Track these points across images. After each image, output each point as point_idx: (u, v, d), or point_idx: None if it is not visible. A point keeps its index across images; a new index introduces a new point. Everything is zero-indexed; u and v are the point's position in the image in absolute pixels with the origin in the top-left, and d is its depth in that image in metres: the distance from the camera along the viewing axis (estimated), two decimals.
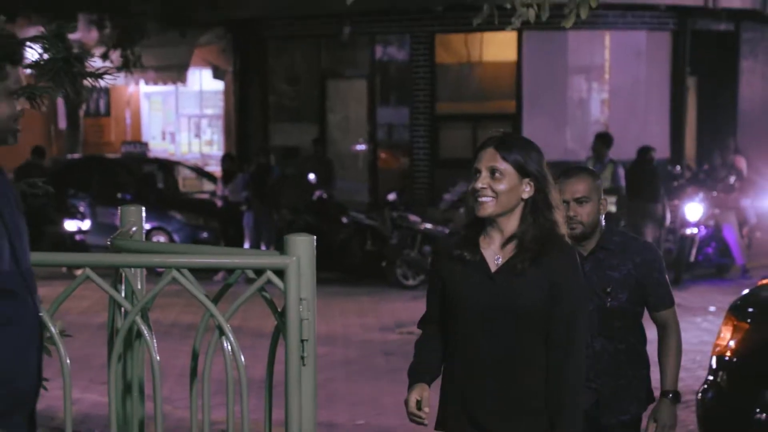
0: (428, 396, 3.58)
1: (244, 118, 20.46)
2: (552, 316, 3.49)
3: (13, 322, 3.00)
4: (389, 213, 15.03)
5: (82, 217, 16.07)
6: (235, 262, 4.04)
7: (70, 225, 15.81)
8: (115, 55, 17.32)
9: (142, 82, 21.78)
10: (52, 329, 3.69)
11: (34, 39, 6.87)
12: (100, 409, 5.29)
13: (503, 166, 3.46)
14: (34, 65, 6.40)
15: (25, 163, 16.03)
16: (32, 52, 7.41)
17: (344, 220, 15.24)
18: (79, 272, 3.77)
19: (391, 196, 15.67)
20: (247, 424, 3.93)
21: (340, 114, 19.38)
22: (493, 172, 3.46)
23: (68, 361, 3.89)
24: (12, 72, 3.01)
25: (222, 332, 3.85)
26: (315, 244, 3.81)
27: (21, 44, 3.10)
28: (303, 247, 3.78)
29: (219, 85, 21.73)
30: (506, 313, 3.47)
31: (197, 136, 23.16)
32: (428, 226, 14.58)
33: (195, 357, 4.06)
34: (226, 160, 18.00)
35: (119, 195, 16.04)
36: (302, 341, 3.74)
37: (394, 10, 16.26)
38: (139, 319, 4.12)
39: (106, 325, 4.29)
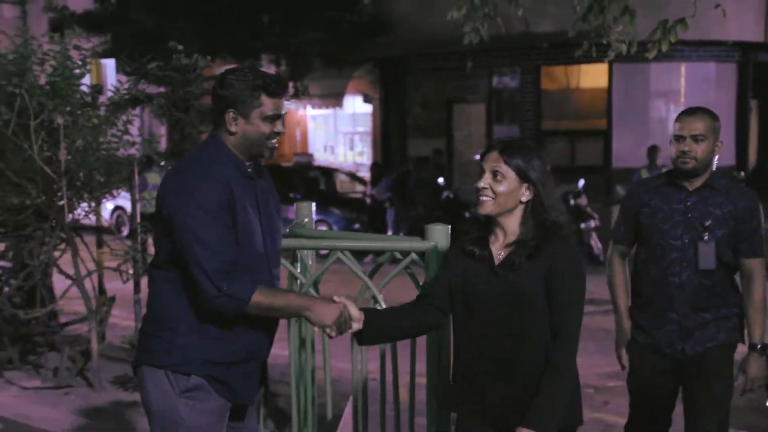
0: (355, 315, 3.09)
1: (387, 135, 20.56)
2: (550, 302, 2.99)
3: None
4: None
5: None
6: (387, 246, 4.06)
7: None
8: (289, 87, 17.59)
9: (308, 107, 22.10)
10: None
11: None
12: (279, 360, 5.35)
13: (504, 169, 3.02)
14: None
15: None
16: None
17: (467, 215, 15.16)
18: None
19: None
20: (395, 374, 3.95)
21: (464, 131, 19.29)
22: (495, 173, 3.03)
23: None
24: (267, 101, 3.06)
25: (376, 301, 3.88)
26: (449, 233, 3.81)
27: (277, 83, 3.09)
28: (440, 234, 3.78)
29: (368, 109, 21.87)
30: (509, 304, 2.99)
31: (351, 148, 23.34)
32: None
33: None
34: (374, 167, 18.08)
35: (291, 195, 16.24)
36: None
37: (508, 47, 16.11)
38: (311, 290, 4.18)
39: None
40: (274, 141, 3.11)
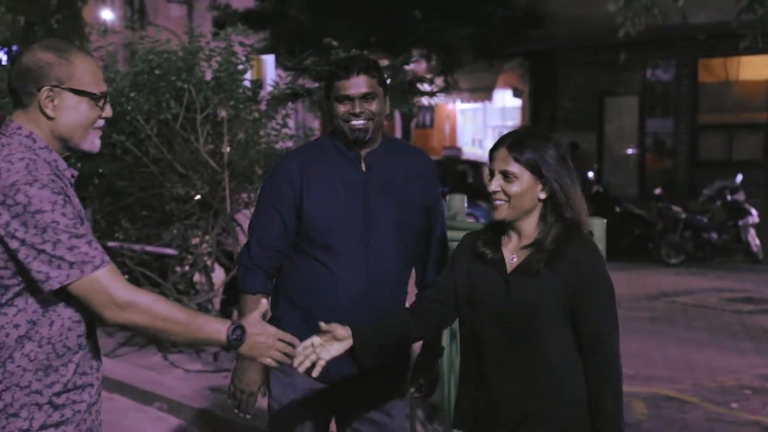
0: (341, 334, 2.67)
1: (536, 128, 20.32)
2: (576, 318, 2.61)
3: (334, 273, 3.09)
4: (655, 204, 14.50)
5: None
6: None
7: None
8: (439, 81, 17.63)
9: (458, 101, 22.09)
10: None
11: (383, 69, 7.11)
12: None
13: (515, 168, 2.60)
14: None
15: None
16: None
17: (617, 209, 14.81)
18: None
19: (657, 191, 15.12)
20: None
21: (615, 124, 18.85)
22: (505, 174, 2.61)
23: None
24: (336, 84, 3.06)
25: None
26: (605, 226, 3.71)
27: (342, 65, 3.11)
28: (596, 227, 3.68)
29: (517, 103, 21.66)
30: (520, 313, 2.62)
31: None
32: (688, 215, 13.97)
33: None
34: None
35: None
36: None
37: (663, 39, 15.60)
38: None
39: None
40: (356, 122, 3.05)
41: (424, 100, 8.46)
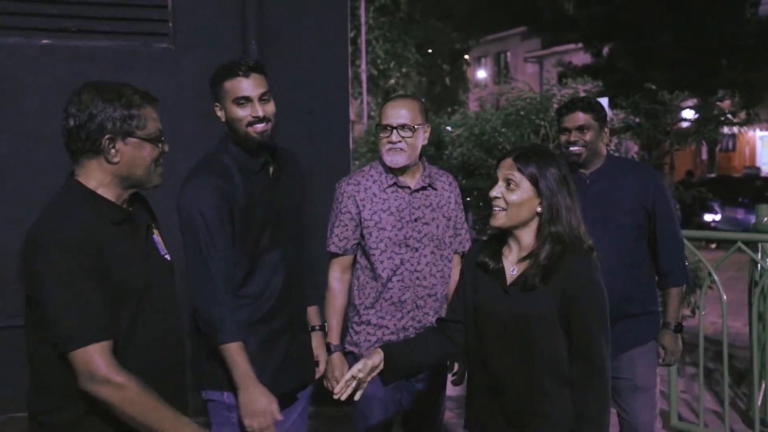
0: (369, 366, 2.11)
1: None
2: (569, 331, 2.00)
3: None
4: None
5: (716, 213, 14.97)
6: None
7: (708, 217, 14.80)
8: (741, 114, 15.91)
9: (757, 130, 19.77)
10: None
11: (693, 107, 6.57)
12: (742, 331, 4.84)
13: (518, 177, 2.04)
14: (696, 120, 6.15)
15: (681, 180, 15.44)
16: (689, 113, 7.09)
17: None
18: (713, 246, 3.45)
19: None
20: None
21: None
22: (508, 182, 2.06)
23: (725, 297, 3.64)
24: (560, 118, 2.90)
25: None
26: None
27: (563, 104, 2.90)
28: None
29: None
30: (518, 325, 2.02)
31: None
32: None
33: None
34: None
35: (740, 199, 14.72)
36: None
37: None
38: None
39: (748, 278, 3.96)
40: (572, 149, 2.86)
41: (734, 129, 7.66)
